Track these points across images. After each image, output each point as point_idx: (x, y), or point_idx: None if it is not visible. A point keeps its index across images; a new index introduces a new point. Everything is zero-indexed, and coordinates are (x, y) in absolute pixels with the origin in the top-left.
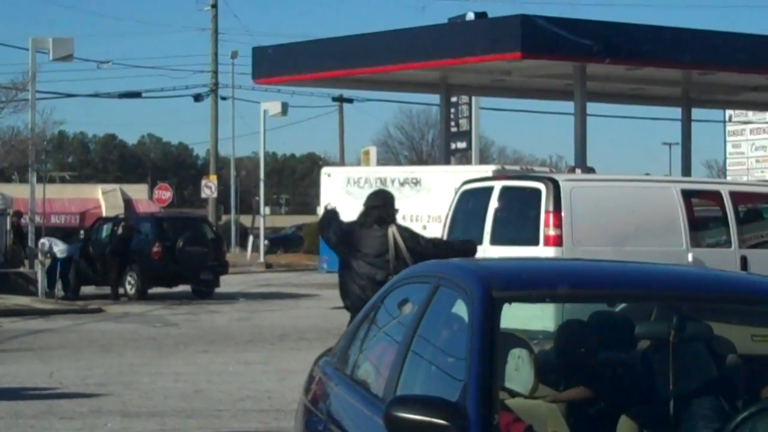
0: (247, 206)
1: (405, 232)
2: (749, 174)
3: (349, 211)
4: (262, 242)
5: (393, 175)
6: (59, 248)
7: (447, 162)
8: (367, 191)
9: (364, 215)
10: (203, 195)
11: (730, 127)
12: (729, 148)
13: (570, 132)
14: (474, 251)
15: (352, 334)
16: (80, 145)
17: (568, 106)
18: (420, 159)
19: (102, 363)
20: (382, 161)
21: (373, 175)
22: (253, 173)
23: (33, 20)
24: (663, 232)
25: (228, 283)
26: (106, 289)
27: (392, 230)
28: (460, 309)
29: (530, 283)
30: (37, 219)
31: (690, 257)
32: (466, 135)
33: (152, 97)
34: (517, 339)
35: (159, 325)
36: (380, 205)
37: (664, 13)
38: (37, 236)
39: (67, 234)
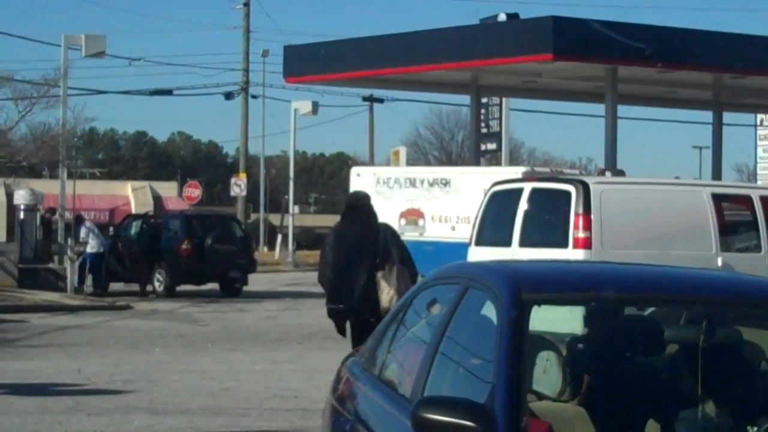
0: (276, 205)
1: (390, 229)
2: None
3: (378, 210)
4: (291, 241)
5: (422, 175)
6: (91, 243)
7: (477, 163)
8: (397, 191)
9: (352, 215)
10: (232, 193)
11: (761, 131)
12: (760, 153)
13: (600, 134)
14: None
15: (381, 334)
16: (111, 142)
17: (599, 108)
18: (450, 160)
19: (130, 360)
20: (411, 161)
21: (403, 175)
22: (282, 172)
23: (66, 17)
24: (693, 236)
25: (256, 282)
26: (135, 286)
27: (382, 227)
28: (489, 311)
29: (560, 286)
30: (67, 215)
31: (719, 261)
32: (496, 136)
33: (183, 94)
34: (545, 341)
35: (187, 322)
36: (364, 204)
37: (697, 16)
38: (67, 232)
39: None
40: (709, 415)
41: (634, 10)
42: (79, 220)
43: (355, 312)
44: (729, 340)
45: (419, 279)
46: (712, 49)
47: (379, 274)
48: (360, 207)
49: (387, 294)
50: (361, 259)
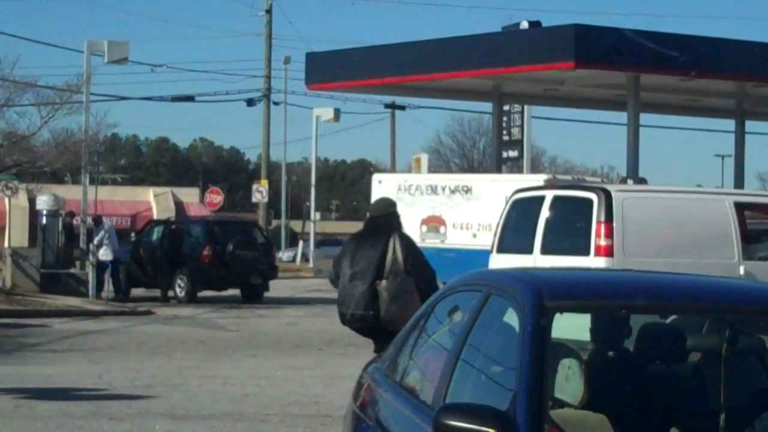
0: (298, 211)
1: (404, 238)
2: None
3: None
4: (312, 248)
5: (444, 182)
6: (102, 250)
7: (498, 170)
8: (418, 198)
9: (374, 223)
10: (254, 199)
11: None
12: None
13: (622, 142)
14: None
15: (402, 341)
16: (133, 148)
17: (621, 116)
18: (471, 167)
19: (151, 365)
20: (433, 169)
21: (424, 182)
22: (304, 178)
23: (89, 23)
24: (715, 245)
25: (277, 288)
26: (156, 292)
27: (396, 236)
28: (512, 318)
29: (582, 294)
30: (89, 221)
31: (742, 270)
32: (517, 144)
33: (205, 101)
34: (567, 349)
35: (208, 328)
36: (390, 213)
37: (717, 24)
38: (89, 238)
39: (118, 236)
40: (731, 424)
41: (658, 19)
42: (97, 222)
43: (354, 319)
44: (752, 348)
45: (441, 286)
46: (736, 57)
47: (382, 285)
48: (386, 215)
49: (385, 304)
50: (367, 267)
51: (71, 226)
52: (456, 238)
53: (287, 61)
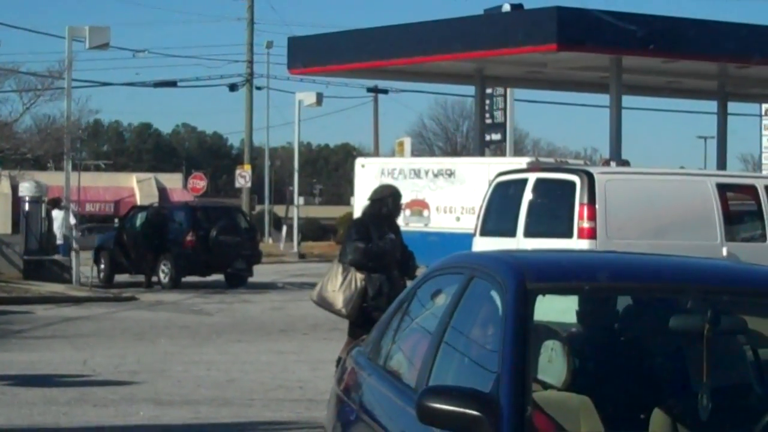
0: (281, 196)
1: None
2: None
3: None
4: (296, 232)
5: (427, 166)
6: (59, 234)
7: (481, 153)
8: (401, 182)
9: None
10: (237, 184)
11: (766, 121)
12: (764, 142)
13: (605, 125)
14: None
15: (385, 324)
16: (115, 134)
17: (603, 98)
18: (454, 150)
19: (135, 351)
20: (416, 152)
21: (408, 166)
22: (287, 163)
23: (70, 9)
24: (697, 226)
25: (261, 273)
26: (140, 278)
27: None
28: (494, 300)
29: (564, 275)
30: (72, 207)
31: (724, 251)
32: (500, 127)
33: (188, 86)
34: (550, 331)
35: (192, 313)
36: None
37: (700, 5)
38: (65, 222)
39: (102, 221)
40: (714, 404)
41: (640, 0)
42: (55, 205)
43: None
44: (734, 328)
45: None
46: (717, 39)
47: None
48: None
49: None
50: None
51: (49, 212)
52: (439, 222)
53: (269, 45)
